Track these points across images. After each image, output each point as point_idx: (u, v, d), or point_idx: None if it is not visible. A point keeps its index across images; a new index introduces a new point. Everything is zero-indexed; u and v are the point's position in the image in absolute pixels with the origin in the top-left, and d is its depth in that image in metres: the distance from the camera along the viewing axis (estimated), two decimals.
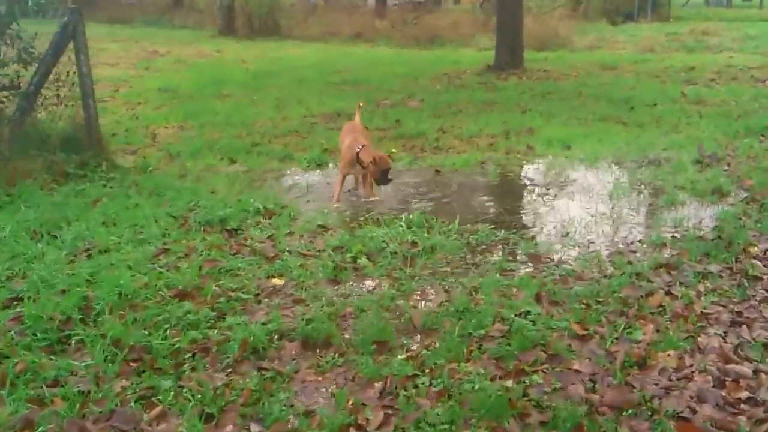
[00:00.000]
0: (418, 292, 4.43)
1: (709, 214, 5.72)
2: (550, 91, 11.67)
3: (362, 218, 5.88)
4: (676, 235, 5.22)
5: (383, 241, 5.23)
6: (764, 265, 4.52)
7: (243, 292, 4.42)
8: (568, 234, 5.39)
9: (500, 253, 5.06)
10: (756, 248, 4.79)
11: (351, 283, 4.59)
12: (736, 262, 4.59)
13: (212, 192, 6.67)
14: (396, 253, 5.01)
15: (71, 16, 7.27)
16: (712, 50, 18.06)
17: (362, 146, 6.28)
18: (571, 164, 7.47)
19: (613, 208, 5.98)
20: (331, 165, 7.71)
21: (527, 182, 7.00)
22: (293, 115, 10.31)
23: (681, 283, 4.30)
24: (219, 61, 15.80)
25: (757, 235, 5.10)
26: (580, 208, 6.02)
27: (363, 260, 4.83)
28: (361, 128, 6.89)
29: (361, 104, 7.60)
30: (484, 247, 5.19)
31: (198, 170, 7.63)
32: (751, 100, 10.67)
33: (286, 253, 5.07)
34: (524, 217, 5.87)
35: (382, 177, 6.24)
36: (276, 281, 4.64)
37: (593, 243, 5.19)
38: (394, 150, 8.28)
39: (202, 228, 5.57)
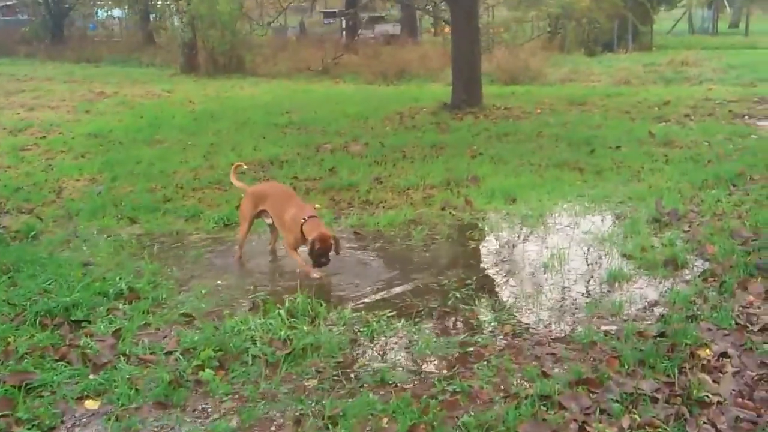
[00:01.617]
0: (263, 422, 3.40)
1: (656, 296, 4.70)
2: (507, 132, 10.73)
3: (242, 301, 4.89)
4: (611, 328, 4.19)
5: (251, 339, 4.21)
6: (714, 380, 3.48)
7: (34, 426, 3.38)
8: (480, 325, 4.37)
9: (387, 356, 4.04)
10: (707, 351, 3.77)
11: (183, 407, 3.56)
12: (680, 373, 3.56)
13: (85, 265, 5.69)
14: (258, 357, 3.99)
15: None
16: (690, 81, 17.29)
17: (307, 218, 5.37)
18: (508, 224, 6.50)
19: (540, 288, 4.97)
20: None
21: (451, 251, 5.97)
22: (221, 164, 9.34)
23: (602, 411, 3.27)
24: (165, 102, 14.88)
25: (712, 329, 4.08)
26: (502, 288, 5.01)
27: (206, 373, 3.79)
28: (291, 191, 6.00)
29: (241, 164, 6.69)
30: (370, 346, 4.17)
31: (89, 234, 6.67)
32: (725, 140, 9.76)
33: (122, 358, 4.05)
34: (431, 301, 4.82)
35: (318, 258, 5.29)
36: (90, 404, 3.61)
37: (507, 342, 4.17)
38: (317, 205, 7.32)
39: (38, 321, 4.55)
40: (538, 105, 13.32)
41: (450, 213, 6.94)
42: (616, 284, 4.93)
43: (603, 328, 4.20)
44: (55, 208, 7.60)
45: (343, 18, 26.92)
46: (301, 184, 8.27)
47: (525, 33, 26.15)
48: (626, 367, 3.65)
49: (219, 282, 5.35)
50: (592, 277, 5.13)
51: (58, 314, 4.66)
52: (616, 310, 4.46)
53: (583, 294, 4.81)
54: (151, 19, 29.26)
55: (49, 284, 5.13)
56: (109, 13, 36.01)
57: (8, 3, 40.43)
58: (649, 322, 4.29)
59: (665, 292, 4.74)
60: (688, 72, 18.62)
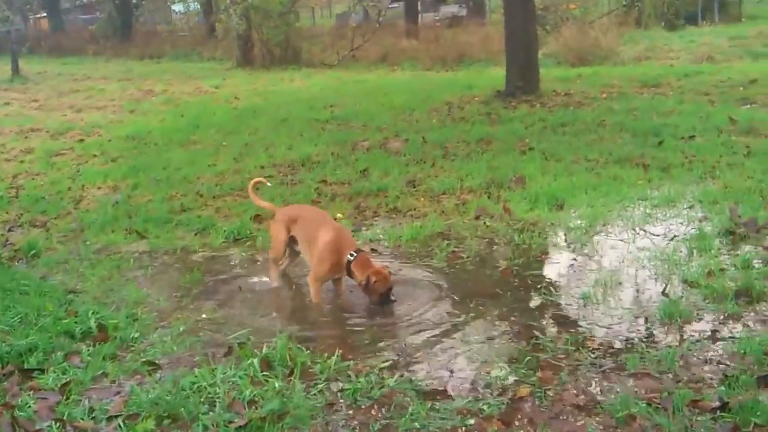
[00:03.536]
0: None
1: (718, 349, 3.68)
2: (565, 122, 9.67)
3: (220, 344, 4.18)
4: (655, 395, 3.23)
5: (210, 400, 3.50)
6: None
7: None
8: (489, 387, 3.50)
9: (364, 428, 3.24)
10: None
11: None
12: None
13: (70, 293, 5.15)
14: (208, 428, 3.26)
15: None
16: None
17: (355, 254, 4.60)
18: (548, 239, 5.56)
19: (571, 330, 4.04)
20: (251, 242, 6.08)
21: (473, 275, 5.07)
22: (250, 167, 8.72)
23: None
24: (210, 99, 14.39)
25: None
26: (520, 330, 4.11)
27: None
28: (323, 214, 5.15)
29: (262, 180, 5.67)
30: (349, 413, 3.37)
31: (94, 250, 6.16)
32: None
33: (56, 426, 3.39)
34: (428, 355, 3.93)
35: (382, 299, 4.54)
36: None
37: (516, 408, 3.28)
38: (339, 215, 6.59)
39: None
40: (605, 89, 12.12)
41: (485, 223, 6.05)
42: (670, 325, 3.95)
43: (646, 392, 3.26)
44: (69, 221, 7.18)
45: (403, 1, 25.92)
46: (328, 189, 7.54)
47: (599, 8, 24.53)
48: None
49: (204, 316, 4.67)
50: (640, 314, 4.15)
51: (10, 361, 4.07)
52: (667, 365, 3.49)
53: (624, 340, 3.85)
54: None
55: (18, 320, 4.56)
56: (184, 5, 35.80)
57: (86, 1, 41.23)
58: (710, 384, 3.32)
59: (733, 337, 3.74)
60: None
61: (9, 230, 6.94)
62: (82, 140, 11.14)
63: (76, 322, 4.47)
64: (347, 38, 22.81)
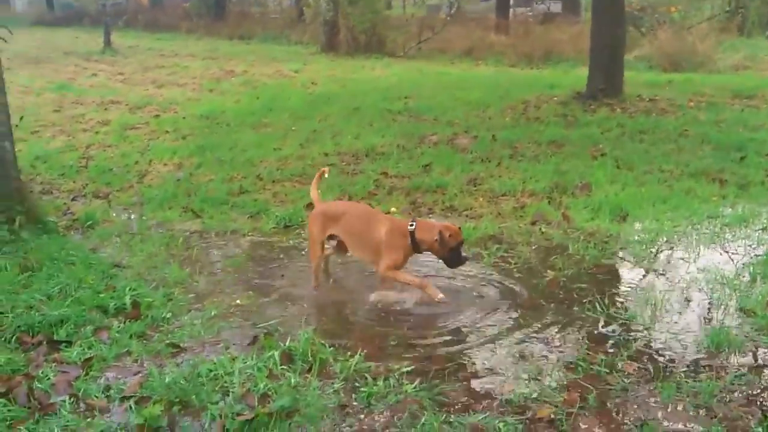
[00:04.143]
0: None
1: (763, 386, 3.38)
2: (644, 130, 9.21)
3: (248, 331, 4.15)
4: None
5: (224, 389, 3.45)
6: None
7: None
8: (509, 404, 3.31)
9: None
10: None
11: None
12: None
13: (115, 266, 5.23)
14: (216, 418, 3.21)
15: None
16: None
17: (413, 222, 4.49)
18: (605, 251, 5.26)
19: (615, 344, 3.78)
20: (300, 229, 6.04)
21: (518, 284, 4.84)
22: (314, 153, 8.69)
23: None
24: (288, 83, 14.43)
25: None
26: (548, 352, 3.88)
27: None
28: (372, 210, 5.02)
29: (325, 172, 5.26)
30: (359, 418, 3.26)
31: (149, 226, 6.28)
32: None
33: (69, 400, 3.40)
34: (453, 364, 3.76)
35: (454, 256, 4.44)
36: None
37: None
38: (393, 209, 6.48)
39: (13, 338, 4.03)
40: (694, 97, 11.50)
41: (540, 230, 5.81)
42: (717, 355, 3.65)
43: (674, 425, 3.01)
44: (131, 194, 7.32)
45: None
46: (387, 182, 7.43)
47: (701, 12, 23.41)
48: None
49: (238, 301, 4.64)
50: (686, 340, 3.86)
51: (41, 331, 4.14)
52: (704, 399, 3.22)
53: (664, 367, 3.58)
54: None
55: (57, 290, 4.64)
56: None
57: None
58: (745, 425, 3.04)
59: None
60: None
61: (72, 199, 7.11)
62: (157, 116, 11.36)
63: (112, 297, 4.52)
64: (433, 29, 22.61)
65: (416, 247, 4.46)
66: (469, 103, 11.35)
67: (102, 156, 8.82)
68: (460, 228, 4.53)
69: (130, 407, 3.33)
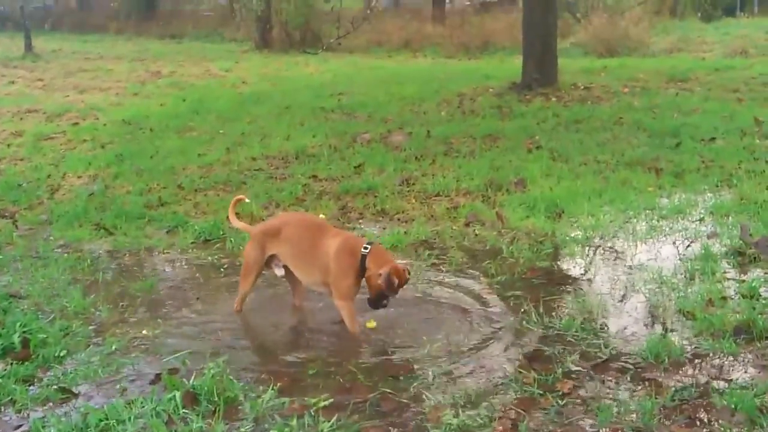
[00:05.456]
0: None
1: (706, 402, 3.12)
2: (579, 119, 9.04)
3: (152, 367, 3.74)
4: None
5: None
6: None
7: None
8: None
9: None
10: None
11: None
12: None
13: (11, 297, 4.74)
14: None
15: None
16: None
17: (369, 246, 3.97)
18: (538, 253, 5.00)
19: (549, 359, 3.50)
20: (221, 244, 5.64)
21: (448, 293, 4.55)
22: (241, 158, 8.27)
23: None
24: (218, 83, 13.93)
25: None
26: (478, 360, 3.58)
27: None
28: (318, 221, 4.60)
29: (242, 198, 4.76)
30: None
31: (55, 247, 5.79)
32: None
33: None
34: (380, 383, 3.45)
35: (380, 299, 3.95)
36: None
37: None
38: (322, 215, 6.10)
39: None
40: (628, 83, 11.42)
41: (474, 232, 5.53)
42: (656, 367, 3.40)
43: None
44: (40, 212, 6.80)
45: None
46: (317, 186, 7.07)
47: None
48: None
49: (144, 332, 4.22)
50: (624, 351, 3.60)
51: None
52: (646, 420, 2.95)
53: (601, 383, 3.31)
54: None
55: None
56: None
57: None
58: None
59: (723, 389, 3.18)
60: None
61: None
62: (76, 123, 10.75)
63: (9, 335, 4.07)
64: (371, 22, 22.22)
65: (362, 272, 3.96)
66: (404, 98, 11.06)
67: (11, 171, 8.24)
68: (409, 273, 4.07)
69: None
